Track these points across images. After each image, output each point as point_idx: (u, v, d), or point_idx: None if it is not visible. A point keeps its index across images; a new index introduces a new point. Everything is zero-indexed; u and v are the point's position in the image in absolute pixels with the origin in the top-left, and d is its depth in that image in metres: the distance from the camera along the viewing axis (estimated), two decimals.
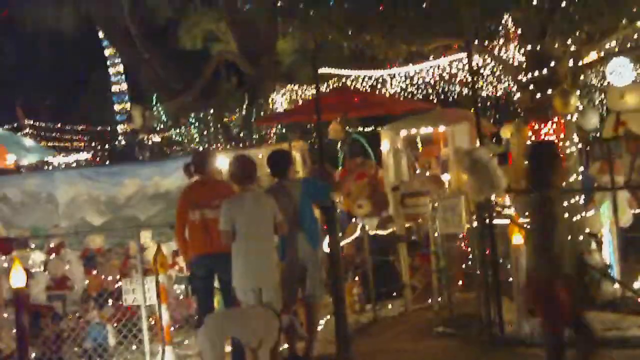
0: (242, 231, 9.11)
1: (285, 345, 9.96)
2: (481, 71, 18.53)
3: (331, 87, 22.91)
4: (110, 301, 12.35)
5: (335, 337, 10.39)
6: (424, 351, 10.41)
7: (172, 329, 11.01)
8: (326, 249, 10.34)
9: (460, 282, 13.03)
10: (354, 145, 20.89)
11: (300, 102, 25.31)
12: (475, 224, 10.79)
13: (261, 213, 9.15)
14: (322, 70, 20.05)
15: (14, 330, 10.68)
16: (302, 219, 9.89)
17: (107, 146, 31.10)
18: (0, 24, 37.51)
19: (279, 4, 13.73)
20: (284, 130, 25.96)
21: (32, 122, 33.93)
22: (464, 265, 12.91)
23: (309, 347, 9.87)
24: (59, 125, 34.52)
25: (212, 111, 28.86)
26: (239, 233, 9.14)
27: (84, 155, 30.60)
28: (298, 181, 10.80)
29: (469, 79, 11.91)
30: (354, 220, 14.21)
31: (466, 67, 16.73)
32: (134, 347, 11.08)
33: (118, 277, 14.00)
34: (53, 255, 15.44)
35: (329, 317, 11.15)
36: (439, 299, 12.38)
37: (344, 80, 22.01)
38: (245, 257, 9.11)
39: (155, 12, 32.64)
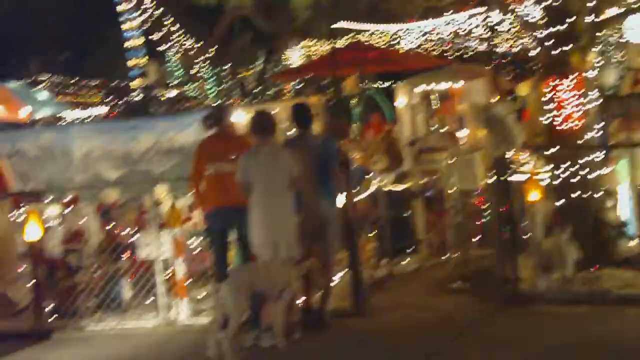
0: (259, 184, 9.12)
1: (302, 299, 9.97)
2: (498, 27, 18.38)
3: (347, 42, 22.80)
4: (125, 255, 12.34)
5: (350, 292, 10.41)
6: (438, 307, 10.41)
7: (187, 283, 11.04)
8: (341, 204, 10.31)
9: (475, 239, 12.99)
10: (370, 101, 20.81)
11: (316, 57, 25.23)
12: (491, 180, 10.74)
13: (278, 166, 9.14)
14: (338, 25, 19.96)
15: (30, 284, 10.76)
16: (318, 174, 9.85)
17: (122, 101, 31.11)
18: None
19: None
20: (299, 86, 25.93)
21: (47, 76, 33.97)
22: (479, 222, 12.87)
23: (324, 301, 9.88)
24: (74, 80, 34.50)
25: (227, 66, 28.81)
26: (256, 186, 9.15)
27: (100, 110, 30.65)
28: (318, 137, 10.73)
29: (486, 35, 11.81)
30: (369, 175, 14.16)
31: (483, 23, 16.60)
32: (148, 301, 11.10)
33: (133, 231, 14.01)
34: (68, 209, 15.44)
35: (344, 272, 11.14)
36: (455, 255, 12.36)
37: (359, 35, 21.91)
38: (262, 211, 9.13)
39: None
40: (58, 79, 34.05)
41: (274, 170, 9.11)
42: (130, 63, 36.28)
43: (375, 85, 23.25)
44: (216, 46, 31.43)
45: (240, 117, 17.79)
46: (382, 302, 10.74)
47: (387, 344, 9.08)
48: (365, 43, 22.11)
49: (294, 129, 10.26)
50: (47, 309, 10.81)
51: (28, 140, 20.55)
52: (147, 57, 35.02)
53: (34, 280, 10.42)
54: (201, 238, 13.66)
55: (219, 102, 26.25)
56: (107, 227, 14.82)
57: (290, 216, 9.22)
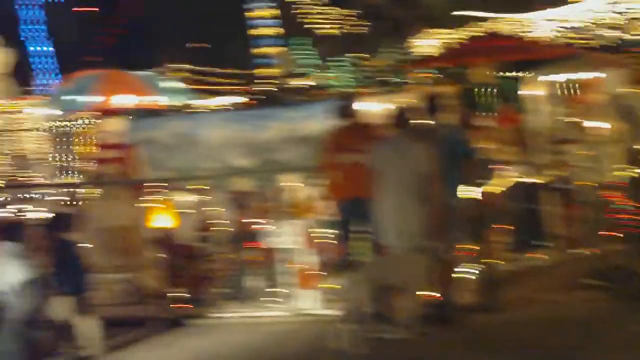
0: (389, 174, 9.08)
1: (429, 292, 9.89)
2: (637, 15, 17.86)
3: (479, 31, 22.51)
4: (254, 244, 12.44)
5: (479, 286, 10.26)
6: (570, 303, 10.17)
7: (316, 273, 11.05)
8: (470, 196, 10.16)
9: (609, 233, 12.64)
10: (501, 91, 20.49)
11: (448, 46, 25.00)
12: (628, 173, 10.44)
13: (409, 158, 9.04)
14: (470, 13, 19.70)
15: (160, 271, 10.95)
16: (446, 164, 9.72)
17: (253, 89, 31.42)
18: None
19: None
20: (433, 75, 25.72)
21: (180, 65, 34.58)
22: (613, 216, 12.53)
23: (450, 295, 9.76)
24: (207, 68, 35.02)
25: (361, 55, 28.83)
26: (386, 176, 9.10)
27: (231, 99, 31.04)
28: (447, 127, 10.59)
29: (621, 23, 11.46)
30: (500, 167, 13.92)
31: (620, 11, 16.15)
32: (277, 290, 11.15)
33: (263, 220, 14.12)
34: (199, 197, 15.67)
35: (473, 265, 10.98)
36: (587, 251, 12.07)
37: (492, 24, 21.60)
38: (390, 201, 9.07)
39: None
40: (191, 67, 34.60)
41: (404, 161, 9.03)
42: (262, 51, 36.67)
43: (506, 75, 22.89)
44: (349, 35, 31.50)
45: (371, 107, 17.81)
46: (512, 297, 10.54)
47: (515, 340, 8.91)
48: (498, 32, 21.79)
49: (424, 119, 10.14)
50: (177, 297, 10.95)
51: (161, 128, 20.97)
52: (279, 46, 35.33)
53: (165, 268, 10.57)
54: (330, 228, 13.72)
55: (350, 91, 26.23)
56: (238, 216, 15.01)
57: (418, 207, 9.11)
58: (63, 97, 12.74)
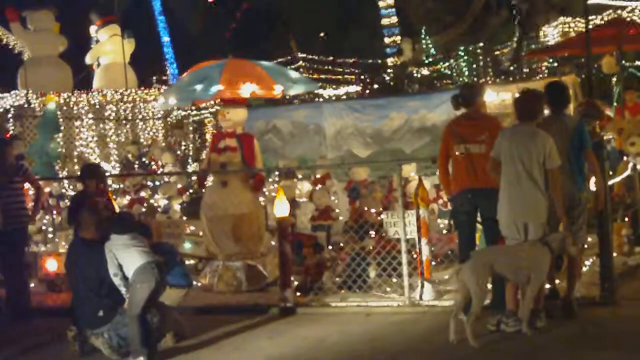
0: (510, 164, 8.91)
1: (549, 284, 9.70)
2: None
3: (605, 19, 22.01)
4: (372, 233, 12.41)
5: (600, 279, 10.01)
6: None
7: (432, 264, 10.96)
8: (593, 188, 9.91)
9: None
10: (630, 79, 20.01)
11: (573, 34, 24.54)
12: None
13: (533, 149, 8.83)
14: (596, 1, 19.21)
15: (277, 259, 11.00)
16: (571, 155, 9.50)
17: (375, 79, 31.34)
18: None
19: None
20: (555, 64, 25.28)
21: (304, 55, 34.74)
22: None
23: (570, 288, 9.53)
24: (330, 58, 35.10)
25: (481, 44, 28.48)
26: (507, 166, 8.94)
27: (353, 88, 31.06)
28: (572, 118, 10.33)
29: None
30: (625, 158, 13.56)
31: None
32: (393, 280, 11.10)
33: (380, 209, 14.10)
34: (319, 185, 15.74)
35: (594, 258, 10.73)
36: None
37: (619, 12, 21.09)
38: (511, 192, 8.91)
39: None
40: (314, 56, 34.74)
41: (527, 152, 8.83)
42: (385, 41, 36.54)
43: (634, 64, 22.34)
44: (471, 23, 31.13)
45: (493, 96, 17.56)
46: (634, 292, 10.27)
47: (635, 337, 8.66)
48: (625, 20, 21.26)
49: (549, 109, 9.91)
50: (293, 284, 10.99)
51: (283, 117, 21.16)
52: (400, 36, 35.17)
53: (281, 256, 10.62)
54: (448, 219, 13.60)
55: (472, 80, 25.94)
56: (355, 205, 15.01)
57: (540, 198, 8.90)
58: (183, 86, 12.88)
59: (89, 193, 11.18)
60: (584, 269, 10.73)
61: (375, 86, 29.96)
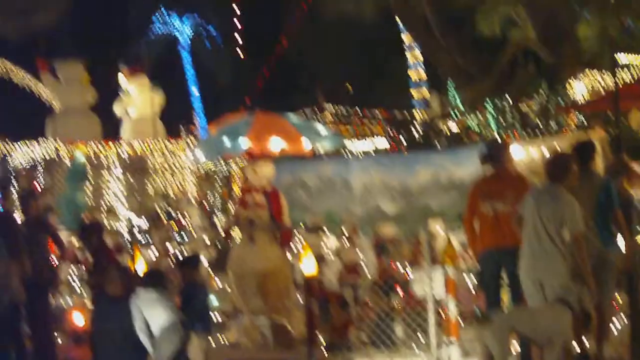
0: (533, 223, 8.85)
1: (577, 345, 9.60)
2: None
3: (635, 74, 22.01)
4: (399, 290, 12.35)
5: (630, 340, 9.90)
6: None
7: (460, 322, 10.88)
8: (622, 247, 9.82)
9: None
10: None
11: (601, 90, 24.51)
12: None
13: (557, 210, 8.77)
14: (624, 56, 19.16)
15: (304, 316, 10.94)
16: (598, 213, 9.43)
17: (403, 132, 31.40)
18: (304, 13, 38.83)
19: None
20: (583, 119, 25.22)
21: (331, 106, 34.92)
22: None
23: (599, 348, 9.43)
24: (357, 110, 35.25)
25: (509, 98, 28.46)
26: (530, 225, 8.89)
27: (380, 141, 31.13)
28: (599, 175, 10.29)
29: None
30: None
31: None
32: (420, 338, 11.02)
33: (407, 266, 14.04)
34: (345, 241, 15.70)
35: (624, 318, 10.62)
36: None
37: None
38: (531, 250, 8.87)
39: None
40: (341, 109, 34.90)
41: (551, 213, 8.76)
42: (413, 94, 36.67)
43: None
44: (498, 78, 31.14)
45: (520, 152, 17.51)
46: None
47: None
48: None
49: (576, 166, 9.86)
50: (320, 341, 10.92)
51: (309, 171, 21.13)
52: (428, 89, 35.30)
53: (307, 313, 10.56)
54: (473, 277, 13.50)
55: (499, 135, 25.90)
56: (382, 262, 14.96)
57: (560, 259, 8.81)
58: (212, 140, 12.94)
59: (107, 248, 11.24)
60: (613, 329, 10.62)
61: (403, 139, 29.99)
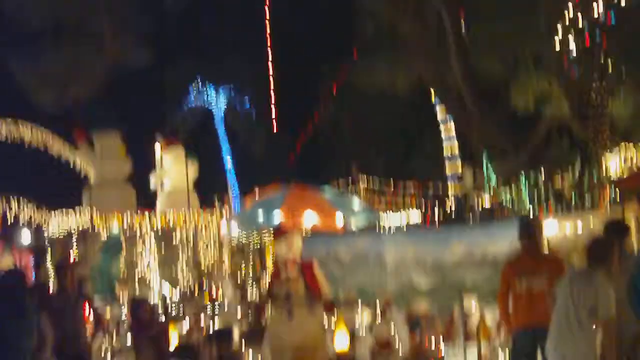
0: (564, 305, 8.78)
1: None
2: None
3: None
4: None
5: None
6: None
7: None
8: None
9: None
10: None
11: (637, 165, 24.42)
12: None
13: (589, 295, 8.69)
14: None
15: None
16: (631, 294, 9.35)
17: (436, 206, 31.35)
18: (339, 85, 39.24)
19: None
20: (618, 195, 25.08)
21: (365, 179, 34.98)
22: None
23: None
24: (390, 183, 35.29)
25: (542, 173, 28.39)
26: (561, 307, 8.82)
27: (414, 214, 31.07)
28: (632, 255, 10.22)
29: None
30: None
31: None
32: None
33: (440, 342, 13.94)
34: (379, 316, 15.64)
35: None
36: None
37: None
38: (559, 332, 8.77)
39: (487, 73, 32.67)
40: (375, 182, 34.98)
41: (583, 297, 8.68)
42: (447, 168, 36.68)
43: None
44: (532, 152, 31.12)
45: (554, 228, 17.45)
46: None
47: None
48: None
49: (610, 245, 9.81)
50: None
51: (342, 245, 21.13)
52: (461, 163, 35.30)
53: None
54: (506, 355, 13.37)
55: (533, 210, 25.81)
56: (415, 337, 14.86)
57: (584, 345, 8.70)
58: (247, 213, 13.02)
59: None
60: None
61: (436, 213, 29.93)
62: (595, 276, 8.85)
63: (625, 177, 23.02)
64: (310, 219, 12.16)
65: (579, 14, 26.09)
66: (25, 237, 25.95)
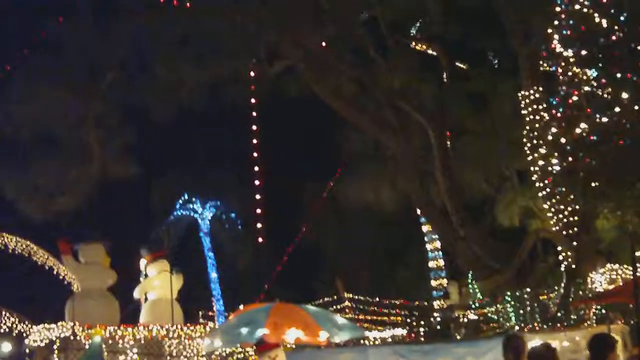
0: None
1: None
2: None
3: None
4: None
5: None
6: None
7: None
8: None
9: None
10: None
11: (620, 282, 24.46)
12: None
13: None
14: None
15: None
16: None
17: (422, 322, 31.21)
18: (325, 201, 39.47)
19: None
20: (603, 311, 25.05)
21: (350, 295, 34.92)
22: None
23: None
24: (376, 299, 35.24)
25: (528, 290, 28.37)
26: None
27: (399, 331, 30.89)
28: None
29: None
30: None
31: None
32: None
33: None
34: None
35: None
36: None
37: None
38: None
39: (471, 190, 32.96)
40: (360, 297, 34.92)
41: None
42: (432, 283, 36.66)
43: None
44: (517, 268, 31.14)
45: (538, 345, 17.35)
46: None
47: None
48: None
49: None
50: None
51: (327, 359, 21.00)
52: (447, 279, 35.30)
53: None
54: None
55: (519, 327, 25.73)
56: None
57: None
58: (230, 328, 12.94)
59: None
60: None
61: (422, 329, 29.79)
62: None
63: (609, 291, 23.07)
64: (294, 335, 12.06)
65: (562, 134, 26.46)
66: (5, 346, 25.73)
